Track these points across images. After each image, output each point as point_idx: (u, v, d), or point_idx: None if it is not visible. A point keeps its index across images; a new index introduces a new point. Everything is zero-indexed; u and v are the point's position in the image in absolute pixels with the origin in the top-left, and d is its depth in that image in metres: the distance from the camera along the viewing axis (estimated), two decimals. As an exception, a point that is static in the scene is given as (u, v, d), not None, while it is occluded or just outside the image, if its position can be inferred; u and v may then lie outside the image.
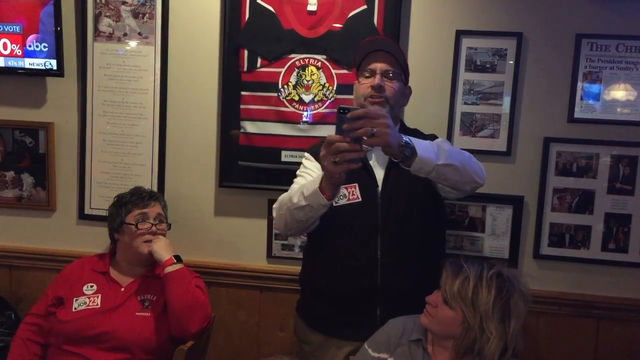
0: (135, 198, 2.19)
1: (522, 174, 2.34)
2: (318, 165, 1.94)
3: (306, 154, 2.04)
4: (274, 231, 2.47)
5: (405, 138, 1.61)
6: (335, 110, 1.57)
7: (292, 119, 2.38)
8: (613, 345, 2.35)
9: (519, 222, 2.35)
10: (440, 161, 1.65)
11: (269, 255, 2.50)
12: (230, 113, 2.42)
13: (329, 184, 1.66)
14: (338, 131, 1.56)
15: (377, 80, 1.87)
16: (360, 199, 1.89)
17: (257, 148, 2.41)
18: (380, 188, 1.90)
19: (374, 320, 1.86)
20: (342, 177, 1.63)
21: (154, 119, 2.48)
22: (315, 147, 2.04)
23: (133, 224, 2.13)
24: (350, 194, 1.89)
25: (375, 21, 2.31)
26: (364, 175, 1.90)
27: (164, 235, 2.19)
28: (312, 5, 2.33)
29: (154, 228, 2.15)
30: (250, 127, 2.41)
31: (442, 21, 2.32)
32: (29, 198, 2.59)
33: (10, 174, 2.58)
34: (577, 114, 2.29)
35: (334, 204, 1.84)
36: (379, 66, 1.90)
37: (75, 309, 2.07)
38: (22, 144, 2.56)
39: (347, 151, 1.55)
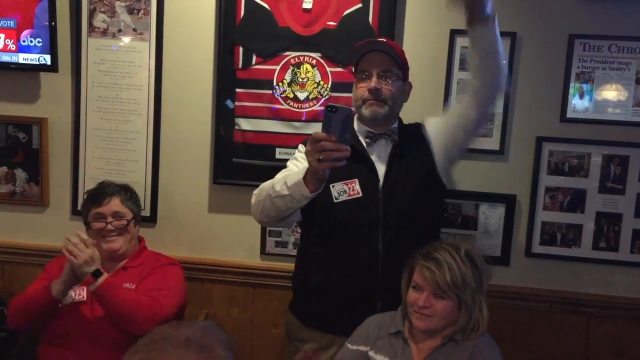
0: (94, 195, 2.19)
1: (514, 173, 2.36)
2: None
3: (300, 146, 2.04)
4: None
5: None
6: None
7: (286, 117, 2.38)
8: (603, 343, 2.37)
9: (511, 220, 2.37)
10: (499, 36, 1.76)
11: (263, 252, 2.50)
12: (224, 110, 2.42)
13: (313, 179, 1.68)
14: (325, 129, 1.58)
15: (373, 83, 1.87)
16: (360, 194, 1.88)
17: (251, 145, 2.42)
18: (381, 183, 1.90)
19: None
20: (326, 173, 1.65)
21: (148, 115, 2.48)
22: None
23: (89, 223, 2.14)
24: (351, 189, 1.89)
25: (370, 20, 2.32)
26: (365, 170, 1.90)
27: (124, 231, 2.16)
28: (308, 3, 2.34)
29: (108, 226, 2.13)
30: (244, 124, 2.42)
31: (437, 20, 2.33)
32: (22, 193, 2.58)
33: (3, 170, 2.58)
34: (570, 113, 2.31)
35: (335, 201, 1.87)
36: (374, 68, 1.89)
37: (62, 303, 2.06)
38: (15, 139, 2.55)
39: (332, 150, 1.57)
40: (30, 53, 2.44)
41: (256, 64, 2.39)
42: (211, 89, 2.45)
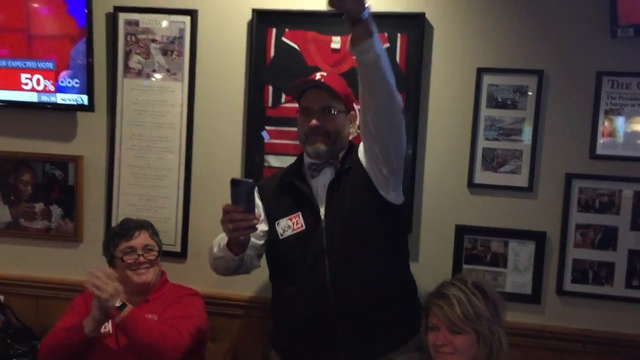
0: (122, 231, 2.24)
1: (544, 209, 2.34)
2: (259, 204, 2.03)
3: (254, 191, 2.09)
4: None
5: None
6: None
7: (315, 154, 2.42)
8: (639, 385, 2.31)
9: (542, 257, 2.34)
10: (383, 52, 1.70)
11: (291, 288, 2.51)
12: (254, 147, 2.47)
13: (233, 245, 1.83)
14: (232, 201, 1.71)
15: (313, 122, 1.92)
16: (304, 227, 1.94)
17: (280, 182, 2.45)
18: (323, 213, 1.93)
19: (335, 343, 1.88)
20: (243, 240, 1.80)
21: (180, 152, 2.54)
22: (262, 183, 2.14)
23: (120, 258, 2.18)
24: (295, 223, 1.96)
25: (397, 58, 2.36)
26: (305, 203, 1.95)
27: (154, 263, 2.22)
28: (336, 44, 2.39)
29: (141, 258, 2.19)
30: (274, 161, 2.46)
31: (464, 59, 2.36)
32: (57, 229, 2.64)
33: (39, 206, 2.65)
34: (599, 150, 2.30)
35: (280, 237, 1.95)
36: (315, 104, 1.94)
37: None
38: (52, 176, 2.63)
39: (240, 220, 1.71)
40: (68, 93, 2.52)
41: (285, 102, 2.44)
42: (241, 127, 2.50)
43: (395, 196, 1.94)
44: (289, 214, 1.96)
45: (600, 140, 2.30)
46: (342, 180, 1.94)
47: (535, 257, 2.35)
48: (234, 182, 1.70)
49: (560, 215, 2.33)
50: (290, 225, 1.95)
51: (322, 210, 1.93)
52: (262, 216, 2.00)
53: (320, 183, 1.98)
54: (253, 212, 1.73)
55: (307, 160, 2.02)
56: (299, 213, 1.95)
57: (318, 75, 1.98)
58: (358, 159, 1.96)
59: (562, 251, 2.33)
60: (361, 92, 1.79)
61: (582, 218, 2.32)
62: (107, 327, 2.12)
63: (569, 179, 2.31)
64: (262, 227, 2.00)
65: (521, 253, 2.36)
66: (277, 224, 1.97)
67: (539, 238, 2.34)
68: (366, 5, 1.60)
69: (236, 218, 1.71)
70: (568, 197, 2.31)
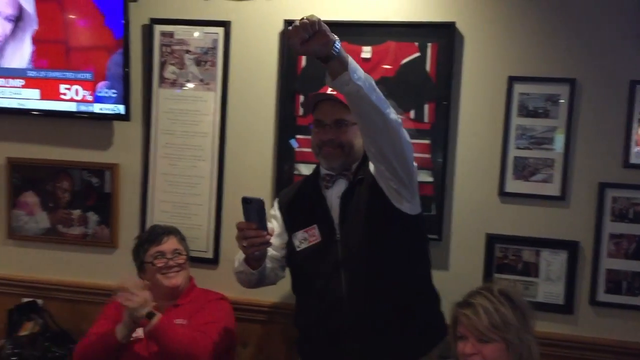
0: (151, 236, 2.30)
1: (576, 219, 2.32)
2: (278, 215, 2.08)
3: (275, 202, 2.15)
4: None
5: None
6: None
7: (345, 162, 2.44)
8: (675, 398, 2.27)
9: (574, 267, 2.32)
10: (364, 80, 1.66)
11: (321, 295, 2.53)
12: (285, 155, 2.51)
13: (250, 259, 1.89)
14: (245, 218, 1.78)
15: (326, 136, 1.93)
16: (320, 239, 1.95)
17: (311, 190, 2.48)
18: (337, 224, 1.93)
19: (354, 354, 1.87)
20: (258, 255, 1.86)
21: (212, 160, 2.59)
22: (281, 195, 2.18)
23: (150, 262, 2.23)
24: (311, 235, 1.97)
25: (427, 68, 2.37)
26: (320, 215, 1.96)
27: (183, 267, 2.27)
28: (366, 53, 2.41)
29: (170, 262, 2.24)
30: (304, 169, 2.49)
31: (494, 67, 2.35)
32: (94, 235, 2.71)
33: (77, 212, 2.72)
34: (633, 159, 2.27)
35: (297, 249, 1.97)
36: (328, 117, 1.94)
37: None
38: (88, 183, 2.70)
39: (253, 237, 1.77)
40: (106, 103, 2.59)
41: (316, 111, 2.47)
42: (272, 135, 2.53)
43: (410, 207, 1.90)
44: (305, 226, 1.97)
45: (635, 149, 2.27)
46: (355, 192, 1.93)
47: (568, 266, 2.32)
48: (245, 201, 1.76)
49: (593, 224, 2.31)
50: (307, 237, 1.97)
51: (336, 222, 1.94)
52: (279, 229, 2.04)
53: (334, 194, 1.97)
54: (265, 228, 1.79)
55: (322, 171, 2.03)
56: (315, 225, 1.96)
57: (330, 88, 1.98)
58: (370, 170, 1.95)
59: (595, 261, 2.31)
60: (354, 119, 1.80)
61: (616, 228, 2.29)
62: (139, 332, 2.16)
63: (602, 188, 2.29)
64: (282, 239, 2.04)
65: (553, 263, 2.34)
66: (294, 236, 1.99)
67: (571, 248, 2.32)
68: (334, 41, 1.58)
69: (250, 235, 1.77)
70: (601, 206, 2.29)
